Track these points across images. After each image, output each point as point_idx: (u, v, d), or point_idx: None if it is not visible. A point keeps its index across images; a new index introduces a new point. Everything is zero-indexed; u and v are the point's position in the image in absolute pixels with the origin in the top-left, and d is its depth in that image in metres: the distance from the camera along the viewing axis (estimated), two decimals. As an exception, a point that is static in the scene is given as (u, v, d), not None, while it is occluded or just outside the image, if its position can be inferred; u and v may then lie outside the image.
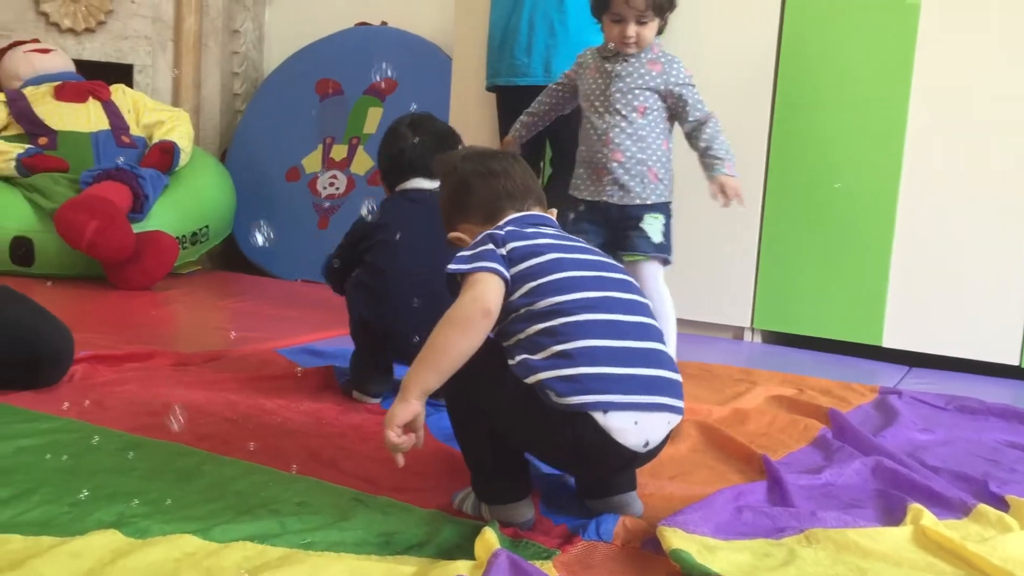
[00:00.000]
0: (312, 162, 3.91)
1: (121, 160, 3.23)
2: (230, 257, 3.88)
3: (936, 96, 2.65)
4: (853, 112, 2.74)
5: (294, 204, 3.85)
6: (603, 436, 1.24)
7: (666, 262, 2.12)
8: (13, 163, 3.21)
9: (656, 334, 1.34)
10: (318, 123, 3.92)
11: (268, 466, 1.48)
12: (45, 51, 3.60)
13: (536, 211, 1.46)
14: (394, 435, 1.22)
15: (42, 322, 1.83)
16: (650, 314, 1.36)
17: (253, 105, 4.08)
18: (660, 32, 2.16)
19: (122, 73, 3.93)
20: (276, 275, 3.72)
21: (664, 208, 2.12)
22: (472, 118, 3.14)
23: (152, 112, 3.61)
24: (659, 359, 1.31)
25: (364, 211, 1.94)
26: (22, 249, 3.14)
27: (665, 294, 2.11)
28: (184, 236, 3.34)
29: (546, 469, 1.50)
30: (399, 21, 3.91)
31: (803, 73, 2.79)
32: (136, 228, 3.11)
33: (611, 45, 2.12)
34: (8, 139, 3.33)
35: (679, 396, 1.32)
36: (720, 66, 2.81)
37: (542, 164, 3.02)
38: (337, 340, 2.44)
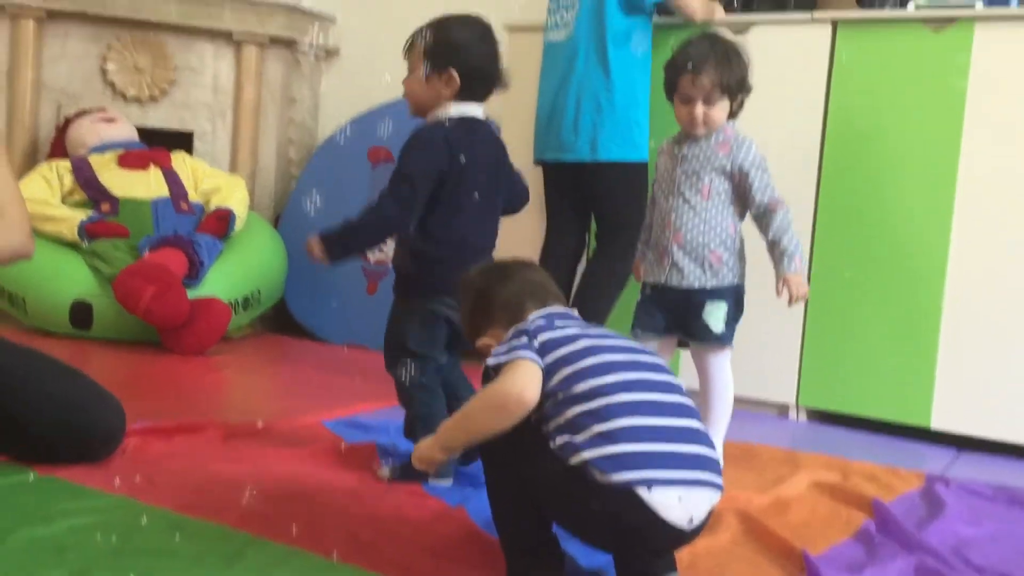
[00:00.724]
0: (363, 228, 3.98)
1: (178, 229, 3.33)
2: (281, 320, 3.96)
3: (984, 173, 2.64)
4: (899, 189, 2.73)
5: (343, 268, 3.91)
6: (648, 513, 1.26)
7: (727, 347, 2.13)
8: (76, 229, 3.32)
9: (693, 412, 1.38)
10: (369, 190, 4.01)
11: (309, 551, 1.51)
12: (111, 120, 3.74)
13: (558, 308, 1.50)
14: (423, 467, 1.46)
15: (96, 398, 1.89)
16: (684, 393, 1.41)
17: (307, 171, 4.18)
18: (734, 115, 2.18)
19: (183, 140, 4.07)
20: (324, 338, 3.78)
21: (730, 292, 2.11)
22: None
23: (210, 178, 3.73)
24: (698, 437, 1.36)
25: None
26: (82, 313, 3.24)
27: (725, 380, 2.14)
28: (236, 301, 3.42)
29: (583, 561, 1.51)
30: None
31: (849, 149, 2.80)
32: (191, 294, 3.20)
33: (681, 127, 2.15)
34: (73, 205, 3.46)
35: (719, 473, 1.35)
36: (765, 145, 2.82)
37: (587, 236, 3.06)
38: (382, 412, 2.48)
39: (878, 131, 2.76)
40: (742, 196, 2.11)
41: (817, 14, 2.83)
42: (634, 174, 2.81)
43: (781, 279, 2.04)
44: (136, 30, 3.98)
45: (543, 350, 1.37)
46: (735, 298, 2.12)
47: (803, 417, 2.91)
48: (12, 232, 1.88)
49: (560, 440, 1.30)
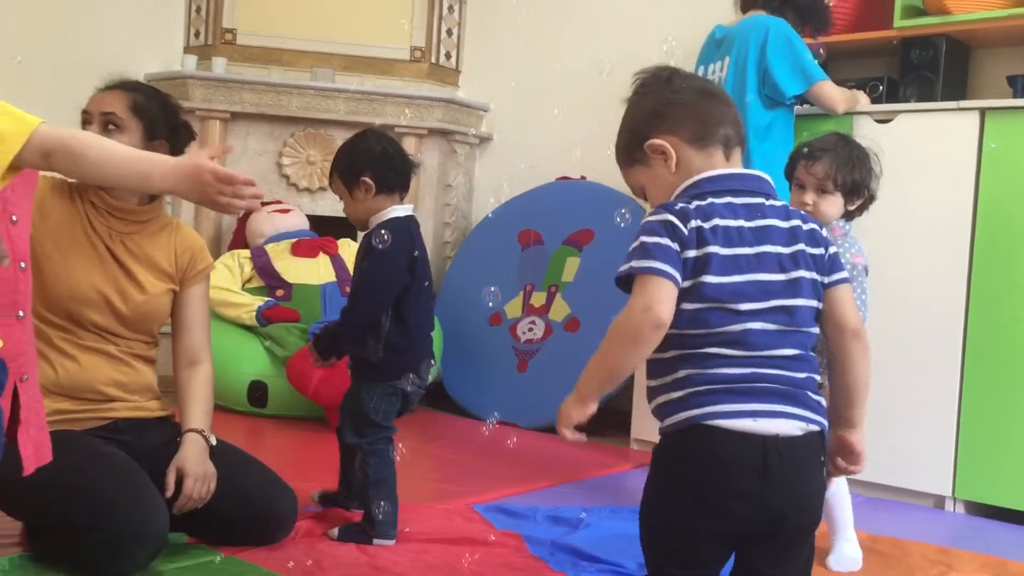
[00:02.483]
0: (513, 308, 4.15)
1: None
2: (437, 397, 4.15)
3: None
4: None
5: (496, 347, 4.08)
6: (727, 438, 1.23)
7: None
8: (254, 314, 3.63)
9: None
10: (519, 271, 4.18)
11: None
12: (285, 211, 4.07)
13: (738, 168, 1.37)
14: (570, 434, 1.32)
15: (272, 486, 2.08)
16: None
17: (461, 253, 4.40)
18: (850, 216, 2.18)
19: (349, 226, 4.35)
20: (478, 415, 3.94)
21: None
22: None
23: (373, 263, 3.99)
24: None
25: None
26: (258, 392, 3.52)
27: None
28: (396, 381, 3.63)
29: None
30: (596, 176, 4.14)
31: (1001, 234, 2.75)
32: (355, 375, 3.42)
33: None
34: (251, 291, 3.78)
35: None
36: (913, 231, 2.82)
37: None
38: (530, 496, 2.60)
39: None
40: None
41: (964, 103, 2.82)
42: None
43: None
44: (308, 127, 4.33)
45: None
46: None
47: (960, 509, 2.83)
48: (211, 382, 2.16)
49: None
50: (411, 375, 2.21)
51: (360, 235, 2.41)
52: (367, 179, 2.19)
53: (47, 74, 3.76)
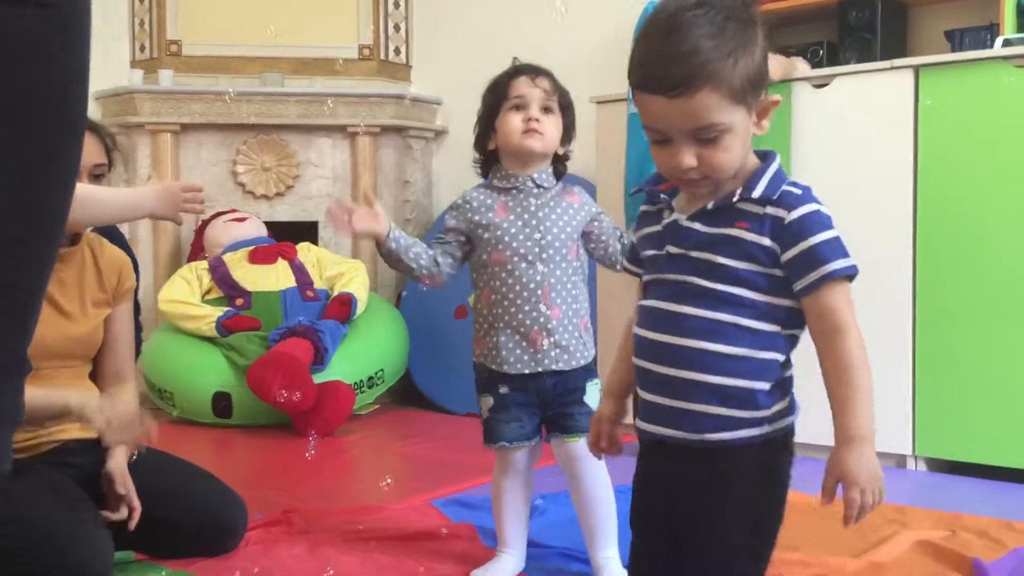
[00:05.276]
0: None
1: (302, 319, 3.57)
2: (407, 392, 4.14)
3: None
4: (999, 227, 2.67)
5: (463, 340, 4.06)
6: None
7: None
8: (214, 325, 3.62)
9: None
10: (482, 262, 4.17)
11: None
12: (242, 220, 4.06)
13: None
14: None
15: (221, 497, 2.08)
16: None
17: (424, 248, 4.40)
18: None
19: (309, 230, 4.36)
20: (448, 408, 3.93)
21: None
22: (618, 257, 3.28)
23: (333, 265, 3.99)
24: None
25: None
26: (222, 403, 3.52)
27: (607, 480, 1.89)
28: (361, 381, 3.63)
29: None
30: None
31: (942, 193, 2.75)
32: (317, 378, 3.42)
33: None
34: (211, 302, 3.77)
35: None
36: (858, 196, 2.82)
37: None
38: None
39: (971, 173, 2.71)
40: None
41: (898, 62, 2.82)
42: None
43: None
44: (261, 133, 4.32)
45: None
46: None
47: (922, 467, 2.84)
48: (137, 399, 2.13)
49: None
50: None
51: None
52: None
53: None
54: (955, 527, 2.23)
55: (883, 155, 2.83)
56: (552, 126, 1.85)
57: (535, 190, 1.87)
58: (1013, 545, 2.10)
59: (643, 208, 1.27)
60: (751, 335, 1.13)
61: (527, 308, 1.81)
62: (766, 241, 1.12)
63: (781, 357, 1.16)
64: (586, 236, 1.90)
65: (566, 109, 1.89)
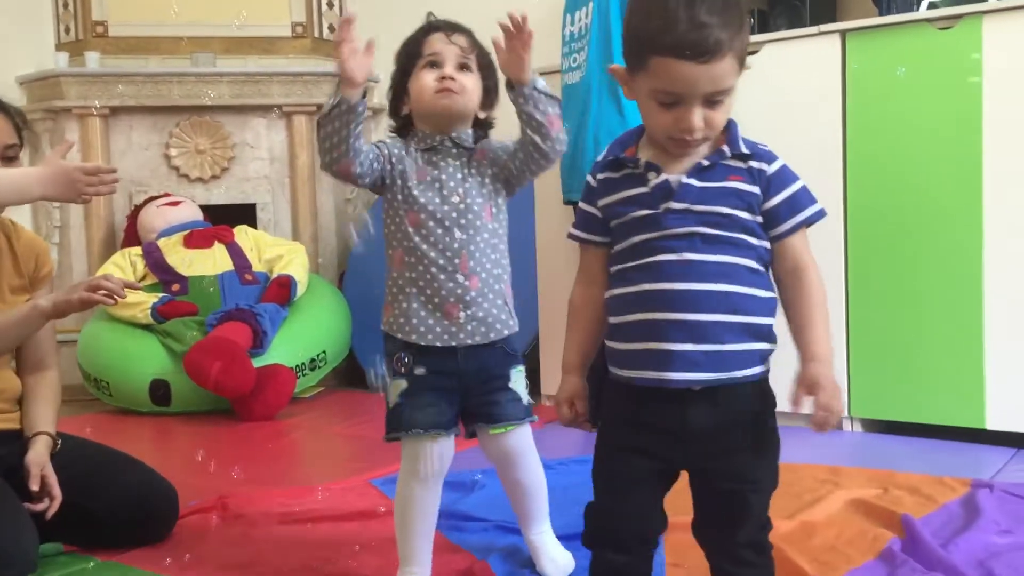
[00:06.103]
0: (421, 277, 4.12)
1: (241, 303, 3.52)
2: (351, 373, 4.11)
3: (1009, 166, 2.58)
4: (927, 190, 2.70)
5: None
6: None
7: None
8: (149, 312, 3.55)
9: None
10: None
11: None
12: (176, 203, 3.98)
13: None
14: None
15: (149, 485, 2.04)
16: None
17: (364, 227, 4.35)
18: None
19: (247, 212, 4.29)
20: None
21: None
22: (554, 228, 3.28)
23: (271, 247, 3.93)
24: None
25: None
26: (160, 391, 3.46)
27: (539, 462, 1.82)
28: (302, 364, 3.59)
29: None
30: (497, 134, 4.10)
31: (871, 156, 2.77)
32: (257, 362, 3.38)
33: None
34: (147, 288, 3.69)
35: None
36: (789, 160, 2.83)
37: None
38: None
39: (899, 135, 2.73)
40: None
41: (824, 27, 2.83)
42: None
43: None
44: (193, 115, 4.23)
45: None
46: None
47: (858, 428, 2.89)
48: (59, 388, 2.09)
49: None
50: None
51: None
52: None
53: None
54: (888, 485, 2.26)
55: (813, 120, 2.85)
56: (471, 84, 1.68)
57: (454, 150, 1.70)
58: (943, 500, 2.13)
59: (605, 175, 1.32)
60: (757, 276, 1.27)
61: (443, 277, 1.64)
62: (756, 190, 1.26)
63: (775, 294, 1.31)
64: (505, 163, 1.71)
65: (486, 69, 1.72)
